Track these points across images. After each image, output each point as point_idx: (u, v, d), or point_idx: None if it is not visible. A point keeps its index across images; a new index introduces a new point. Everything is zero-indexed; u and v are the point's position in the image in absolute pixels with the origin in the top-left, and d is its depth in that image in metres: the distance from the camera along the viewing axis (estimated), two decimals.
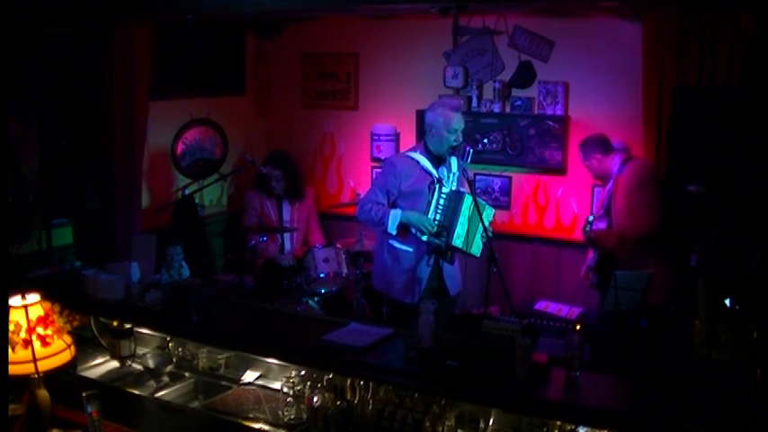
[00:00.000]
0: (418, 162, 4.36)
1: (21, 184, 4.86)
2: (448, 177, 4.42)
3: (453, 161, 4.46)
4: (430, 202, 4.33)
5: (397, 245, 4.42)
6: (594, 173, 5.01)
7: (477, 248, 4.41)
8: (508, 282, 4.89)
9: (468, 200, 4.32)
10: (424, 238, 4.32)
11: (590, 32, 5.38)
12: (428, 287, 4.41)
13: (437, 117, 4.30)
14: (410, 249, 4.40)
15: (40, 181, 5.00)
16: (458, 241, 4.30)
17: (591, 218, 4.74)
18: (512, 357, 2.88)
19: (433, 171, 4.36)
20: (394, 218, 4.31)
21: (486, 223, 4.35)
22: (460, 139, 4.36)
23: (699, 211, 4.30)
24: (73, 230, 5.33)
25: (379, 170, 4.60)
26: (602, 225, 4.84)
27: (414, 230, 4.33)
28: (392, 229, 4.32)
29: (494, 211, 4.53)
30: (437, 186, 4.34)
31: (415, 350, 3.10)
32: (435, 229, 4.28)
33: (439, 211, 4.32)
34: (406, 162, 4.39)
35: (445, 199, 4.33)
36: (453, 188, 4.40)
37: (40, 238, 5.04)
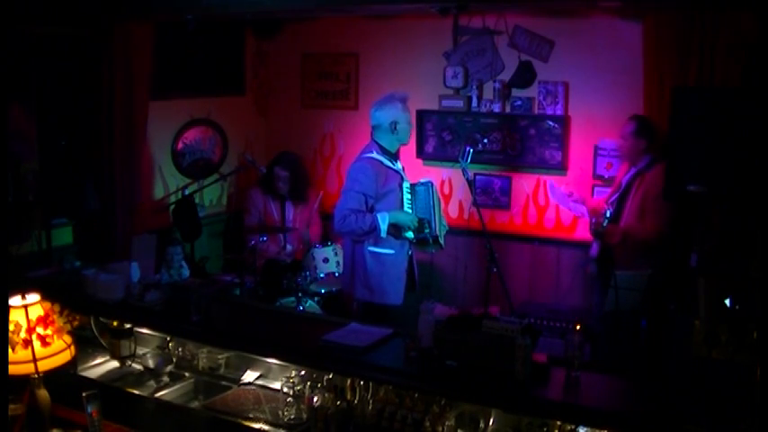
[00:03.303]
0: (382, 162, 4.38)
1: (21, 184, 4.86)
2: (404, 171, 4.51)
3: None
4: (401, 200, 4.38)
5: (379, 250, 4.39)
6: (626, 152, 4.84)
7: (443, 238, 4.52)
8: (508, 282, 4.90)
9: (431, 189, 4.41)
10: (410, 235, 4.34)
11: (590, 32, 5.38)
12: (406, 284, 4.48)
13: (398, 113, 4.37)
14: (393, 251, 4.40)
15: (40, 181, 5.00)
16: (440, 230, 4.41)
17: (608, 213, 4.73)
18: (512, 357, 2.88)
19: (397, 168, 4.43)
20: (383, 221, 4.28)
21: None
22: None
23: (699, 211, 4.30)
24: (73, 230, 5.32)
25: (350, 177, 4.42)
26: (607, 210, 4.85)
27: (402, 230, 4.35)
28: (385, 234, 4.29)
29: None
30: (404, 182, 4.40)
31: (415, 350, 3.10)
32: (417, 224, 4.34)
33: (411, 206, 4.38)
34: (375, 164, 4.39)
35: (410, 193, 4.39)
36: (407, 180, 4.47)
37: (40, 238, 5.04)
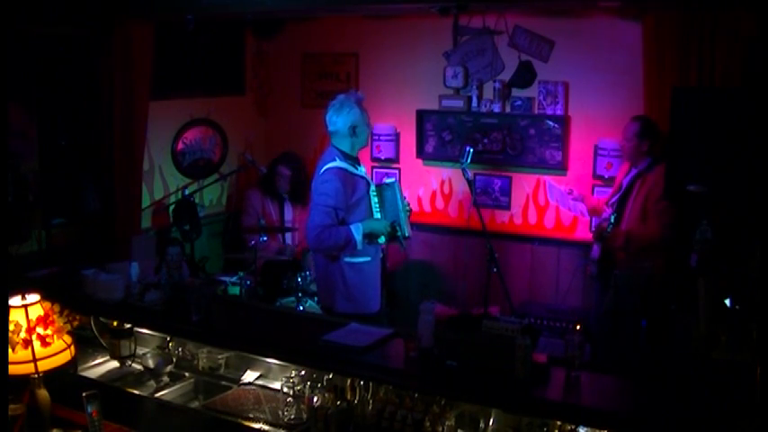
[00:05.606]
0: (347, 170, 4.24)
1: (21, 184, 4.86)
2: (366, 173, 4.44)
3: None
4: (371, 205, 4.31)
5: (355, 260, 4.26)
6: (628, 153, 4.82)
7: (408, 231, 4.48)
8: (508, 282, 4.90)
9: (395, 187, 4.34)
10: (382, 240, 4.29)
11: (590, 32, 5.38)
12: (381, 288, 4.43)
13: (357, 116, 4.30)
14: (369, 258, 4.30)
15: (40, 181, 5.00)
16: (406, 231, 4.35)
17: (612, 217, 4.72)
18: (512, 357, 2.88)
19: (362, 173, 4.34)
20: (357, 232, 4.15)
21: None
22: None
23: (699, 211, 4.30)
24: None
25: (318, 191, 4.24)
26: (607, 211, 4.84)
27: (375, 237, 4.28)
28: (361, 245, 4.18)
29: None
30: (370, 187, 4.33)
31: (415, 350, 3.10)
32: (390, 228, 4.27)
33: (380, 210, 4.32)
34: (341, 174, 4.21)
35: (377, 196, 4.32)
36: (372, 182, 4.40)
37: (40, 238, 5.04)
